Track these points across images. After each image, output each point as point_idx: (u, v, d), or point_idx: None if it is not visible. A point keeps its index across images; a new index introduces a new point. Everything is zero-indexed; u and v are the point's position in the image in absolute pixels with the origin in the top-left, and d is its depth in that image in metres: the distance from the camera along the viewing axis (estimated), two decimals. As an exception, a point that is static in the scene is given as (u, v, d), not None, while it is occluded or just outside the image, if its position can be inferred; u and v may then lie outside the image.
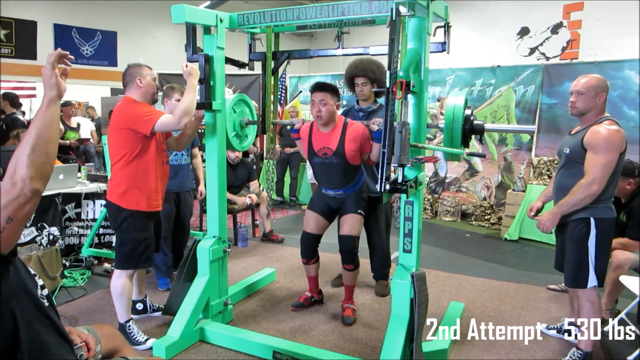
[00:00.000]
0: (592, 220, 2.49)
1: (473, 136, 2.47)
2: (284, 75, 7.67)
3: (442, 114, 6.56)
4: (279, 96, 7.29)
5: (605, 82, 2.54)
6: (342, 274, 3.24)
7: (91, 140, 7.50)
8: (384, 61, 2.17)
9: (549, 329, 3.04)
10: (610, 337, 2.96)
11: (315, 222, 3.22)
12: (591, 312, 2.54)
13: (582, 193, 2.44)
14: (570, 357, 2.63)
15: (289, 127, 6.54)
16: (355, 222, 3.09)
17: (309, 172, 6.66)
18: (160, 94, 3.25)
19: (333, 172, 3.06)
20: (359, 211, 3.10)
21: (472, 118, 2.39)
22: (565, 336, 2.95)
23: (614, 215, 2.57)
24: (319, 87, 2.98)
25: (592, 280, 2.51)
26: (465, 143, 2.39)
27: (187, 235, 3.93)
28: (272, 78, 3.19)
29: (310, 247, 3.24)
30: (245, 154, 5.50)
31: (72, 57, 1.47)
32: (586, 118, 2.57)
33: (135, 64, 2.81)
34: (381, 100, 3.49)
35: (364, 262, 3.59)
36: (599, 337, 2.63)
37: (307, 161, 6.37)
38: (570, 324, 2.96)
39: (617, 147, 2.42)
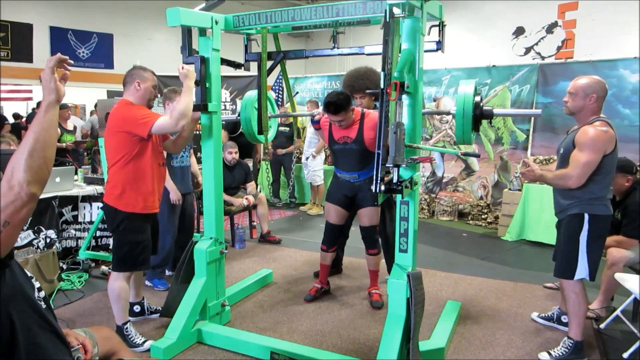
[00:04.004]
0: (586, 217, 2.57)
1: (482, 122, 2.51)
2: (280, 76, 7.67)
3: (438, 113, 6.58)
4: (277, 97, 7.30)
5: (600, 84, 2.58)
6: (367, 259, 3.52)
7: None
8: (380, 61, 2.17)
9: (541, 318, 3.18)
10: (606, 335, 3.00)
11: (335, 213, 3.46)
12: (576, 303, 2.66)
13: (558, 180, 2.60)
14: (562, 346, 2.73)
15: (283, 129, 6.60)
16: (374, 213, 3.38)
17: (306, 171, 6.68)
18: (158, 96, 3.27)
19: (351, 156, 3.30)
20: (375, 203, 3.30)
21: (481, 104, 2.47)
22: (558, 325, 3.08)
23: (610, 212, 2.62)
24: (332, 110, 3.10)
25: (579, 274, 2.61)
26: (476, 127, 2.47)
27: (192, 234, 3.98)
28: (283, 74, 3.33)
29: (332, 236, 3.51)
30: (242, 155, 5.49)
31: (72, 62, 1.47)
32: (580, 118, 2.64)
33: (140, 67, 2.81)
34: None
35: (362, 262, 3.61)
36: (583, 326, 2.73)
37: (303, 161, 6.36)
38: (560, 312, 3.10)
39: (602, 148, 2.50)
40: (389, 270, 3.80)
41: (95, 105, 9.33)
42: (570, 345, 2.69)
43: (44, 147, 1.22)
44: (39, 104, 1.31)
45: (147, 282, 3.75)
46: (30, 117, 9.24)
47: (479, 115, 2.44)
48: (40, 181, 1.19)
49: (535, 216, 5.11)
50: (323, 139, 3.55)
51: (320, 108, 3.38)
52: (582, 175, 2.50)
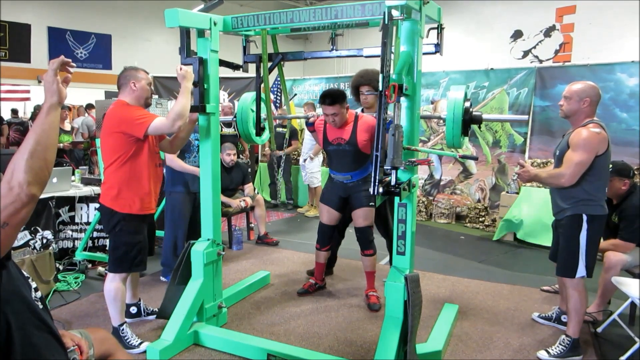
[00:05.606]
0: (585, 217, 2.68)
1: (467, 139, 2.53)
2: (278, 78, 7.68)
3: (430, 117, 6.59)
4: (275, 99, 7.30)
5: (593, 89, 2.70)
6: (362, 261, 3.52)
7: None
8: (378, 63, 2.18)
9: (542, 318, 3.24)
10: (603, 338, 3.00)
11: (327, 214, 3.54)
12: (578, 301, 2.74)
13: (551, 179, 2.71)
14: (559, 343, 2.79)
15: (280, 130, 6.60)
16: (368, 214, 3.40)
17: (303, 173, 6.68)
18: (156, 97, 3.28)
19: (345, 157, 3.36)
20: (370, 204, 3.35)
21: (471, 110, 2.50)
22: (558, 325, 3.12)
23: (606, 212, 2.74)
24: (328, 102, 3.18)
25: (581, 272, 2.70)
26: (465, 132, 2.51)
27: None
28: (280, 76, 3.37)
29: (325, 236, 3.60)
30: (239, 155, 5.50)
31: (74, 64, 1.47)
32: (574, 121, 2.75)
33: (132, 67, 2.81)
34: None
35: (359, 263, 3.60)
36: (581, 325, 2.79)
37: (301, 163, 6.36)
38: (560, 312, 3.16)
39: (594, 148, 2.60)
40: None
41: (88, 106, 9.32)
42: (568, 342, 2.75)
43: (44, 148, 1.22)
44: (37, 106, 1.32)
45: (162, 278, 3.88)
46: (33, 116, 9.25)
47: (468, 121, 2.48)
48: (40, 182, 1.19)
49: (533, 218, 5.11)
50: (317, 142, 3.62)
51: (317, 110, 3.42)
52: (575, 174, 2.61)
